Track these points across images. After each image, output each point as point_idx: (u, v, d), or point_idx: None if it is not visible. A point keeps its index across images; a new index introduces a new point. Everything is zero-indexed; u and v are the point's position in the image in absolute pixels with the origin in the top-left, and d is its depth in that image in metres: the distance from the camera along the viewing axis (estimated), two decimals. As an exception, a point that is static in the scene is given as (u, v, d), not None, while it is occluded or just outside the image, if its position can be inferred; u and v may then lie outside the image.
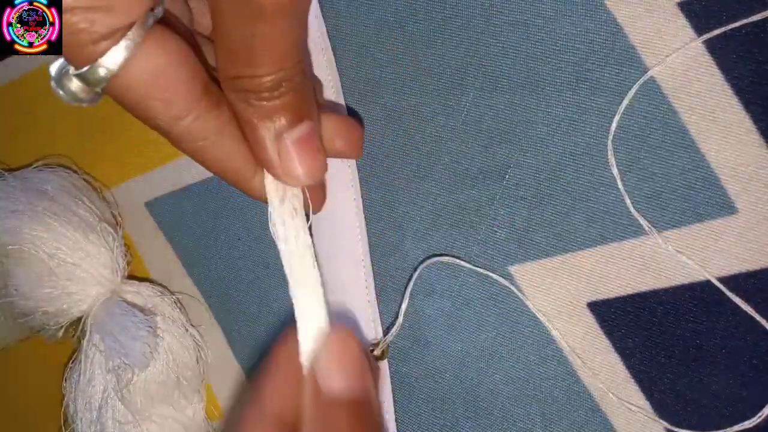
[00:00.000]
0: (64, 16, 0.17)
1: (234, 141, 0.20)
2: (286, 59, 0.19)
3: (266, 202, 0.22)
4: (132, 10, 0.18)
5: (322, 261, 0.29)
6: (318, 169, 0.21)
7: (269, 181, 0.22)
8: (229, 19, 0.18)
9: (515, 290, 0.26)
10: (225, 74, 0.19)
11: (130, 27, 0.18)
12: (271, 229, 0.22)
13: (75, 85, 0.19)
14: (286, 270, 0.22)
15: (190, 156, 0.21)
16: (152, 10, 0.18)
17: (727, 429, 0.23)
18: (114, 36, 0.18)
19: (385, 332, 0.28)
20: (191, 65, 0.19)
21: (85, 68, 0.18)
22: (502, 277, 0.26)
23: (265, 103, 0.19)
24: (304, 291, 0.22)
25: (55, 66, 0.19)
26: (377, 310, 0.28)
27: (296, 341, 0.21)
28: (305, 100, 0.20)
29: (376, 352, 0.28)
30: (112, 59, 0.18)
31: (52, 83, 0.19)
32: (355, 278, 0.28)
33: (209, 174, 0.32)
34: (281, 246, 0.22)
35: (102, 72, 0.18)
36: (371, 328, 0.28)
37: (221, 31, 0.19)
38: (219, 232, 0.33)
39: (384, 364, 0.28)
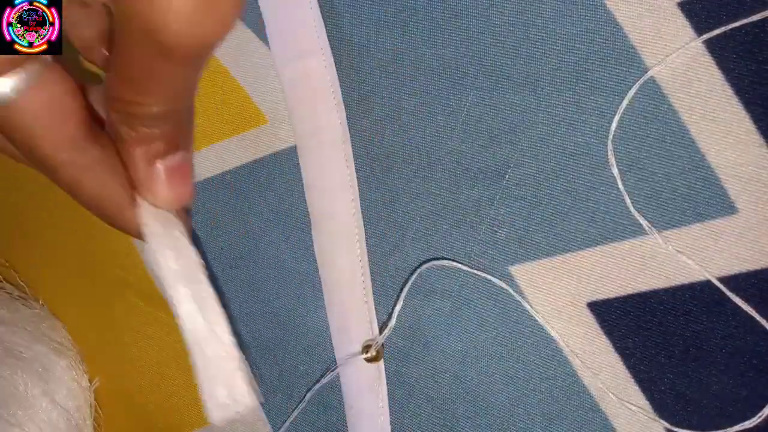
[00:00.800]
0: None
1: (111, 174, 0.21)
2: (179, 98, 0.20)
3: (139, 237, 0.22)
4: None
5: (321, 261, 0.29)
6: (186, 195, 0.22)
7: (146, 209, 0.22)
8: (133, 50, 0.18)
9: (512, 292, 0.26)
10: (114, 94, 0.19)
11: (19, 64, 0.19)
12: (150, 259, 0.22)
13: None
14: (173, 293, 0.21)
15: (66, 187, 0.21)
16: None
17: (728, 429, 0.23)
18: (13, 64, 0.19)
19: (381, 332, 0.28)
20: (79, 99, 0.20)
21: None
22: (502, 277, 0.26)
23: (146, 129, 0.20)
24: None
25: None
26: (374, 310, 0.28)
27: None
28: (185, 133, 0.21)
29: (371, 353, 0.28)
30: (5, 86, 0.19)
31: None
32: (352, 278, 0.28)
33: (207, 175, 0.32)
34: (168, 268, 0.21)
35: None
36: (368, 328, 0.28)
37: (121, 57, 0.18)
38: (218, 233, 0.33)
39: (381, 365, 0.28)
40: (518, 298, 0.26)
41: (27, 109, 0.19)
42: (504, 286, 0.26)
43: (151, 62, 0.18)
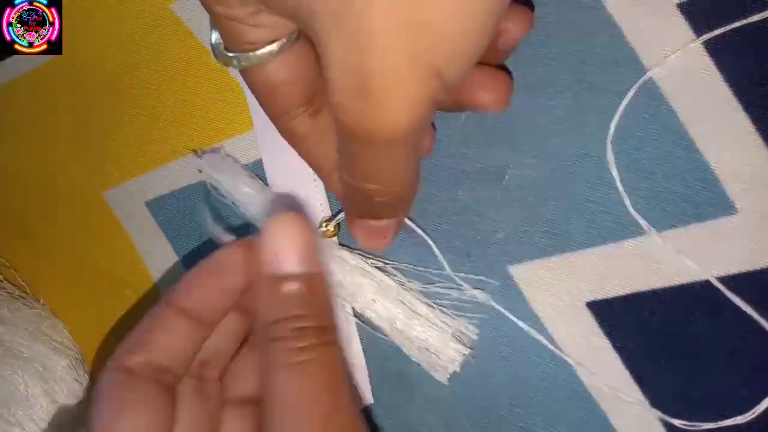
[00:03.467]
0: (226, 22, 0.20)
1: (322, 142, 0.23)
2: (396, 183, 0.21)
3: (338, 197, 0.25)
4: (275, 32, 0.20)
5: (274, 157, 0.30)
6: (380, 247, 0.25)
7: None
8: (341, 137, 0.19)
9: (495, 304, 0.26)
10: (342, 172, 0.21)
11: (274, 41, 0.21)
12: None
13: (222, 54, 0.22)
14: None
15: (290, 142, 0.24)
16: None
17: (720, 422, 0.23)
18: (259, 44, 0.21)
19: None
20: (310, 80, 0.22)
21: (235, 54, 0.21)
22: (502, 277, 0.26)
23: (367, 204, 0.22)
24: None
25: (215, 35, 0.22)
26: (324, 191, 0.29)
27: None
28: (400, 208, 0.24)
29: (330, 227, 0.28)
30: (257, 56, 0.21)
31: (211, 46, 0.23)
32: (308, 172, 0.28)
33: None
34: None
35: (244, 62, 0.21)
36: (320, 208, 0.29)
37: (339, 147, 0.20)
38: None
39: (352, 323, 0.29)
40: (496, 307, 0.26)
41: (267, 78, 0.22)
42: (484, 298, 0.26)
43: (354, 148, 0.19)
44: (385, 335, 0.28)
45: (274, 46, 0.21)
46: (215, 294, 0.24)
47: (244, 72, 0.22)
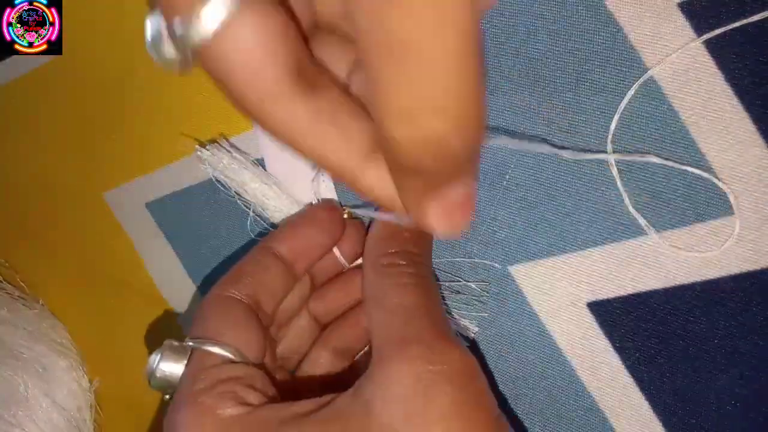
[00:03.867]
0: None
1: (334, 132, 0.17)
2: (462, 98, 0.14)
3: (383, 205, 0.19)
4: None
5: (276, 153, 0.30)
6: (466, 223, 0.18)
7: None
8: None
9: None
10: (389, 123, 0.15)
11: None
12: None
13: (168, 49, 0.17)
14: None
15: (285, 144, 0.18)
16: None
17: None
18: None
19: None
20: (292, 42, 0.16)
21: (180, 30, 0.16)
22: (502, 277, 0.26)
23: (423, 165, 0.16)
24: None
25: (151, 28, 0.17)
26: (333, 187, 0.29)
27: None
28: (473, 149, 0.16)
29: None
30: (211, 16, 0.15)
31: (148, 44, 0.17)
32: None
33: (209, 175, 0.32)
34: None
35: (195, 35, 0.15)
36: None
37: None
38: (219, 232, 0.33)
39: None
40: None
41: (223, 56, 0.16)
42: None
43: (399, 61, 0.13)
44: None
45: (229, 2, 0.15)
46: (308, 245, 0.27)
47: (204, 59, 0.16)
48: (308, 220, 0.27)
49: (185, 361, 0.23)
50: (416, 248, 0.25)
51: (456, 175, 0.16)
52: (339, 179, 0.19)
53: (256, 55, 0.16)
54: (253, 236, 0.32)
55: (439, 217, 0.17)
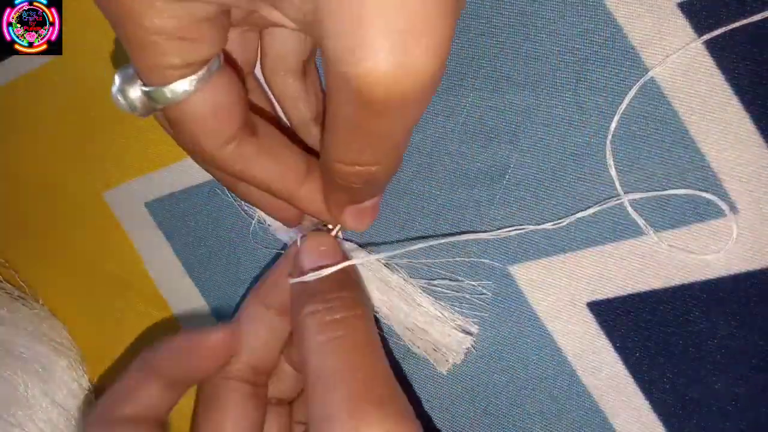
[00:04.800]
0: (151, 37, 0.18)
1: (272, 160, 0.22)
2: (390, 157, 0.20)
3: (312, 215, 0.25)
4: (213, 47, 0.19)
5: None
6: (368, 225, 0.25)
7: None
8: (340, 108, 0.18)
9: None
10: (329, 158, 0.20)
11: (205, 63, 0.19)
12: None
13: (136, 96, 0.20)
14: None
15: (236, 177, 0.22)
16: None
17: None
18: (190, 67, 0.19)
19: None
20: (242, 103, 0.21)
21: (153, 88, 0.19)
22: (502, 276, 0.26)
23: (352, 186, 0.21)
24: None
25: (120, 76, 0.20)
26: None
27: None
28: (384, 185, 0.23)
29: (334, 231, 0.28)
30: (181, 87, 0.19)
31: (114, 90, 0.20)
32: None
33: (209, 176, 0.32)
34: None
35: (168, 94, 0.19)
36: None
37: (332, 120, 0.19)
38: (219, 232, 0.33)
39: None
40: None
41: (189, 114, 0.20)
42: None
43: (357, 118, 0.17)
44: (387, 323, 0.28)
45: (202, 72, 0.19)
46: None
47: (168, 112, 0.20)
48: (287, 265, 0.26)
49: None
50: (338, 287, 0.24)
51: (373, 194, 0.23)
52: (281, 198, 0.24)
53: (216, 113, 0.20)
54: (253, 240, 0.32)
55: (354, 220, 0.24)
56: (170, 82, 0.19)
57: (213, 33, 0.19)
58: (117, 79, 0.20)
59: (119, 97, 0.20)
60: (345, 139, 0.19)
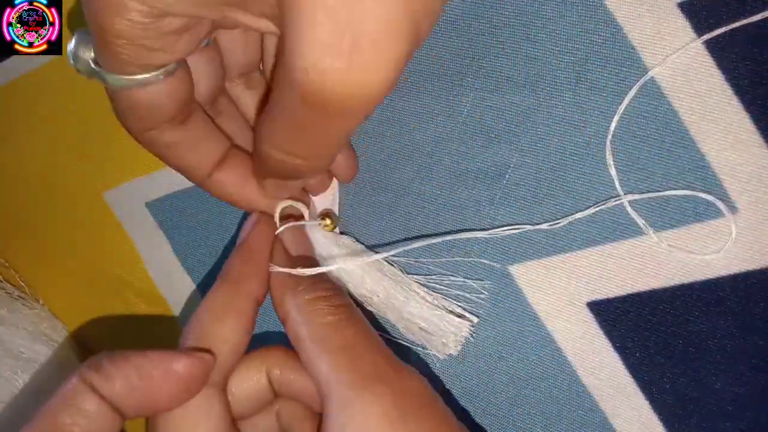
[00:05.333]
0: (115, 39, 0.18)
1: (195, 148, 0.24)
2: (323, 156, 0.21)
3: (225, 200, 0.26)
4: (173, 55, 0.20)
5: None
6: (283, 197, 0.26)
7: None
8: (283, 101, 0.19)
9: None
10: (262, 146, 0.21)
11: (160, 68, 0.20)
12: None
13: (85, 64, 0.20)
14: None
15: (152, 153, 0.24)
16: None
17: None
18: (144, 68, 0.20)
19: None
20: (181, 99, 0.21)
21: (101, 70, 0.20)
22: (502, 276, 0.26)
23: (285, 177, 0.23)
24: None
25: (77, 38, 0.21)
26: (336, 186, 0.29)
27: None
28: (304, 177, 0.24)
29: (327, 222, 0.28)
30: (128, 81, 0.20)
31: (69, 49, 0.21)
32: None
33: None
34: None
35: (113, 81, 0.20)
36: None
37: (273, 111, 0.20)
38: (219, 232, 0.33)
39: None
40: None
41: (131, 99, 0.21)
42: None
43: (298, 113, 0.18)
44: (381, 313, 0.28)
45: (166, 69, 0.20)
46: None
47: (114, 94, 0.21)
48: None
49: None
50: (324, 281, 0.25)
51: (295, 181, 0.24)
52: (192, 180, 0.25)
53: (150, 107, 0.21)
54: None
55: (271, 191, 0.25)
56: (120, 75, 0.20)
57: (176, 43, 0.19)
58: (73, 41, 0.21)
59: (71, 59, 0.21)
60: (281, 126, 0.20)
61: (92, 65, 0.20)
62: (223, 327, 0.23)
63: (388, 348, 0.23)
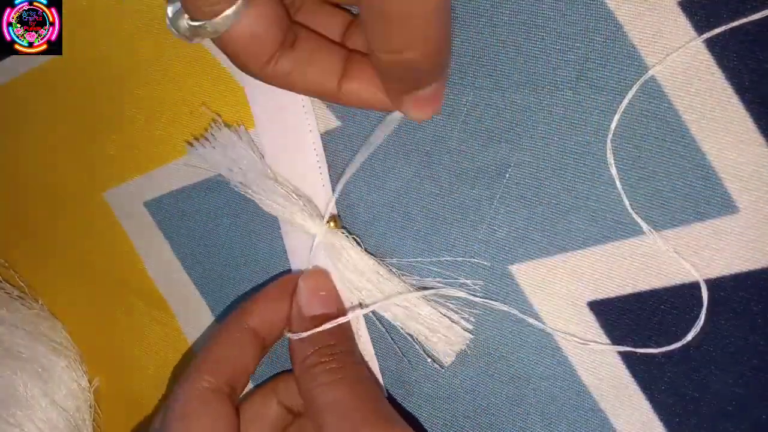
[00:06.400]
0: None
1: (308, 70, 0.24)
2: (430, 41, 0.20)
3: (362, 107, 0.26)
4: None
5: (275, 152, 0.30)
6: (429, 115, 0.24)
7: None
8: (381, 19, 0.19)
9: (495, 303, 0.26)
10: (374, 46, 0.21)
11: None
12: None
13: (185, 28, 0.22)
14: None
15: (281, 87, 0.24)
16: None
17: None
18: (228, 2, 0.21)
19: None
20: (281, 24, 0.23)
21: (197, 23, 0.22)
22: (502, 276, 0.26)
23: (405, 73, 0.22)
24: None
25: (171, 8, 0.23)
26: (328, 180, 0.29)
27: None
28: (440, 70, 0.23)
29: (331, 223, 0.28)
30: (221, 21, 0.21)
31: (168, 21, 0.23)
32: (309, 164, 0.29)
33: (209, 174, 0.32)
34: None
35: (209, 28, 0.21)
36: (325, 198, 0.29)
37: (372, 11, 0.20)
38: (219, 232, 0.33)
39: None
40: (499, 307, 0.26)
41: (232, 41, 0.22)
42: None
43: (377, 5, 0.19)
44: (387, 317, 0.28)
45: (237, 5, 0.21)
46: (280, 318, 0.28)
47: (214, 40, 0.23)
48: (278, 291, 0.29)
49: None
50: (334, 339, 0.27)
51: (424, 82, 0.23)
52: (322, 98, 0.27)
53: (254, 39, 0.22)
54: (253, 239, 0.32)
55: (413, 108, 0.24)
56: (210, 18, 0.21)
57: None
58: (169, 12, 0.23)
59: (172, 29, 0.23)
60: (372, 27, 0.20)
61: (190, 24, 0.22)
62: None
63: (384, 403, 0.25)
